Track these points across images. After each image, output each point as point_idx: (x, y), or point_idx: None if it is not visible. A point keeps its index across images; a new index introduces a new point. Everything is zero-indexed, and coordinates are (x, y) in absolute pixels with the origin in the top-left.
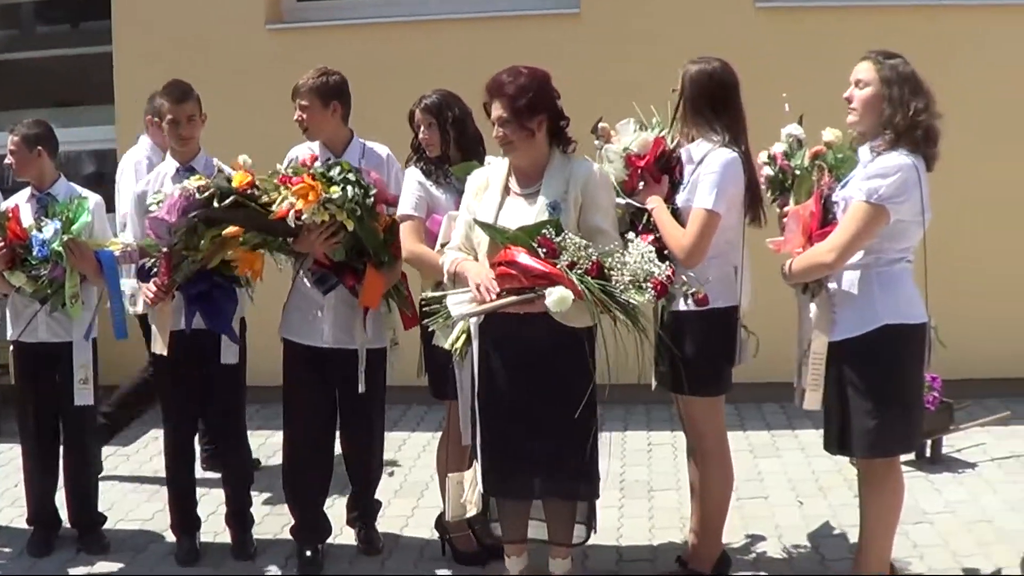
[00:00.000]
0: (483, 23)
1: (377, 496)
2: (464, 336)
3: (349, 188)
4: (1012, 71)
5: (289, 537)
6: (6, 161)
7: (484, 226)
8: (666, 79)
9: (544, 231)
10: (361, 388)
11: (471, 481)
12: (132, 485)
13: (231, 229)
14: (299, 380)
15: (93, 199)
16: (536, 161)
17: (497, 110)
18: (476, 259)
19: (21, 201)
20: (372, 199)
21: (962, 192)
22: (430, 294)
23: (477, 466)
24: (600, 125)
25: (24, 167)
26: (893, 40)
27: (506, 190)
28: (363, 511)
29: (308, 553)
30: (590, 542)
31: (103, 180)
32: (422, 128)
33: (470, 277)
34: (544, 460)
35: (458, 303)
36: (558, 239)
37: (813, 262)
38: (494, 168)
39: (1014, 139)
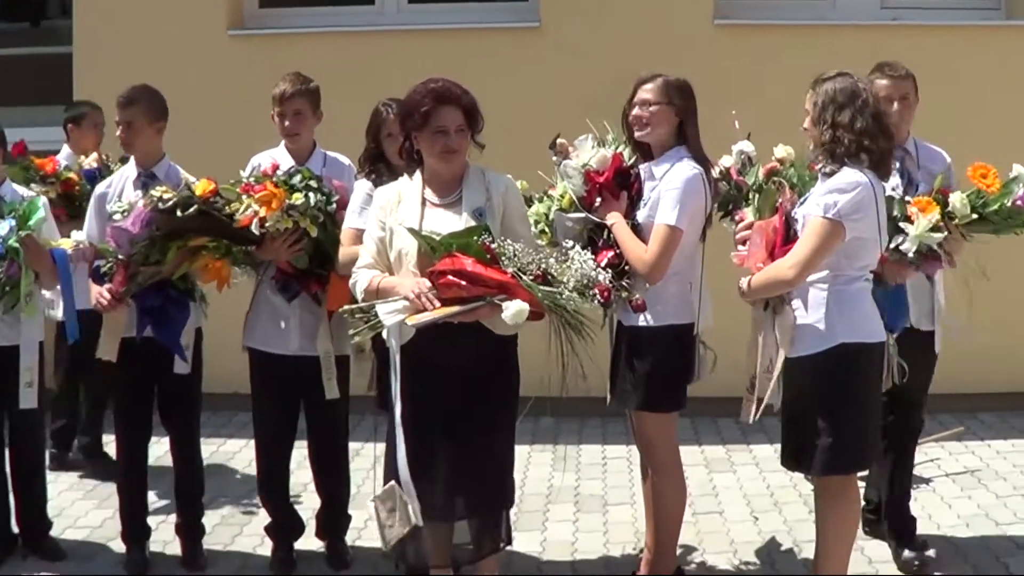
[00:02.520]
0: (443, 35)
1: None
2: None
3: (311, 195)
4: (970, 88)
5: (240, 549)
6: None
7: (423, 237)
8: (624, 94)
9: (483, 236)
10: (333, 394)
11: (394, 500)
12: (81, 491)
13: (197, 239)
14: (267, 388)
15: (42, 197)
16: (458, 171)
17: (454, 119)
18: (391, 275)
19: None
20: (334, 205)
21: None
22: (349, 306)
23: (395, 486)
24: (558, 141)
25: None
26: (845, 58)
27: (423, 202)
28: (334, 523)
29: (282, 552)
30: (545, 556)
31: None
32: (396, 136)
33: (402, 290)
34: (467, 480)
35: (390, 312)
36: (494, 245)
37: (774, 278)
38: (403, 183)
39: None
